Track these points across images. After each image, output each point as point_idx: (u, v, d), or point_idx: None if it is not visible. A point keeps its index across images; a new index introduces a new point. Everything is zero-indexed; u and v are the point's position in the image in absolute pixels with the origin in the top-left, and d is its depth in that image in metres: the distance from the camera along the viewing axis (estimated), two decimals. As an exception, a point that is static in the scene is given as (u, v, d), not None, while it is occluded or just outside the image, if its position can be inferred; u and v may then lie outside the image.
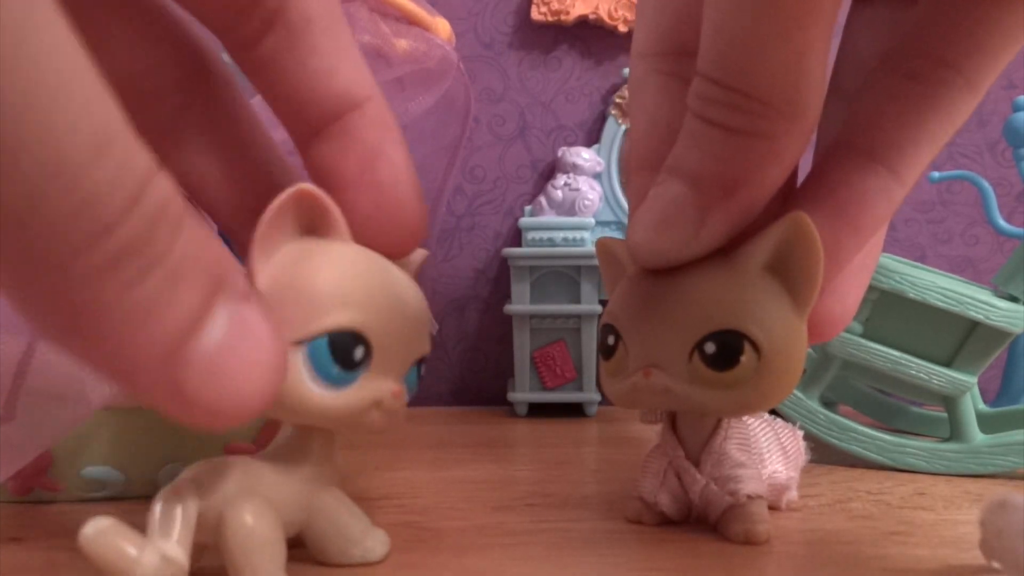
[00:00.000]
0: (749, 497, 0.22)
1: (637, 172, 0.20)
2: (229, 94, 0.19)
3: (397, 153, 0.18)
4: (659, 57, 0.20)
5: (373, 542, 0.20)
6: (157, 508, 0.17)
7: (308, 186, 0.18)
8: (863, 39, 0.20)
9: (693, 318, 0.19)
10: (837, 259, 0.19)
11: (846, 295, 0.21)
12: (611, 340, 0.22)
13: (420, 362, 0.20)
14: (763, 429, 0.25)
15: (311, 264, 0.18)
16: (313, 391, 0.18)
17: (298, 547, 0.20)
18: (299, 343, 0.17)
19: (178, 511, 0.17)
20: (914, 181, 0.19)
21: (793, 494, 0.25)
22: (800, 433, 0.27)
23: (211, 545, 0.18)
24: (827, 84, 0.19)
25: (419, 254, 0.21)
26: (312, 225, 0.18)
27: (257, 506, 0.18)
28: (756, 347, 0.19)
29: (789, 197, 0.20)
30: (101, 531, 0.15)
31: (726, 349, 0.19)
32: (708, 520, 0.23)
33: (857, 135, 0.19)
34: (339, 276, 0.18)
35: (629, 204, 0.21)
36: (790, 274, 0.19)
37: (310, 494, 0.20)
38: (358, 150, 0.18)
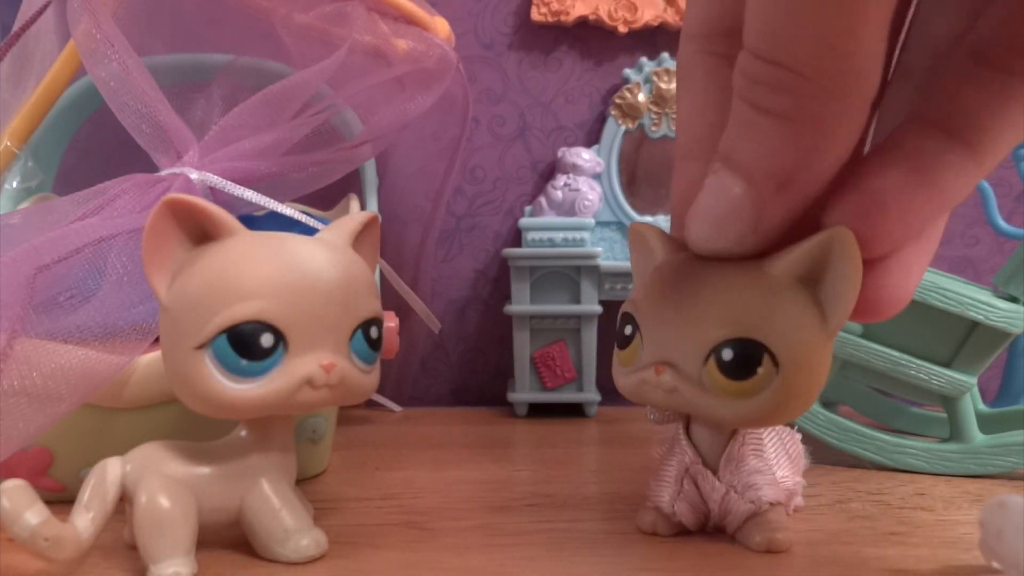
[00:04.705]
0: (771, 504, 0.21)
1: (681, 161, 0.20)
2: None
3: None
4: (709, 38, 0.19)
5: (308, 540, 0.20)
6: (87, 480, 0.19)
7: (174, 196, 0.17)
8: (936, 21, 0.18)
9: (714, 321, 0.19)
10: (909, 223, 0.18)
11: (910, 268, 0.19)
12: (628, 330, 0.21)
13: (370, 325, 0.20)
14: (769, 435, 0.24)
15: (196, 269, 0.18)
16: (228, 387, 0.18)
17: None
18: (201, 347, 0.18)
19: (91, 483, 0.19)
20: (992, 166, 0.17)
21: (800, 499, 0.25)
22: (798, 436, 0.26)
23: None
24: (892, 65, 0.18)
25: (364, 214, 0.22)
26: (203, 232, 0.18)
27: (168, 487, 0.19)
28: (775, 360, 0.18)
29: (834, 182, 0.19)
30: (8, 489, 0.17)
31: (743, 358, 0.19)
32: (726, 529, 0.22)
33: (935, 111, 0.17)
34: (227, 272, 0.18)
35: (672, 192, 0.20)
36: (824, 290, 0.18)
37: (243, 485, 0.20)
38: None
